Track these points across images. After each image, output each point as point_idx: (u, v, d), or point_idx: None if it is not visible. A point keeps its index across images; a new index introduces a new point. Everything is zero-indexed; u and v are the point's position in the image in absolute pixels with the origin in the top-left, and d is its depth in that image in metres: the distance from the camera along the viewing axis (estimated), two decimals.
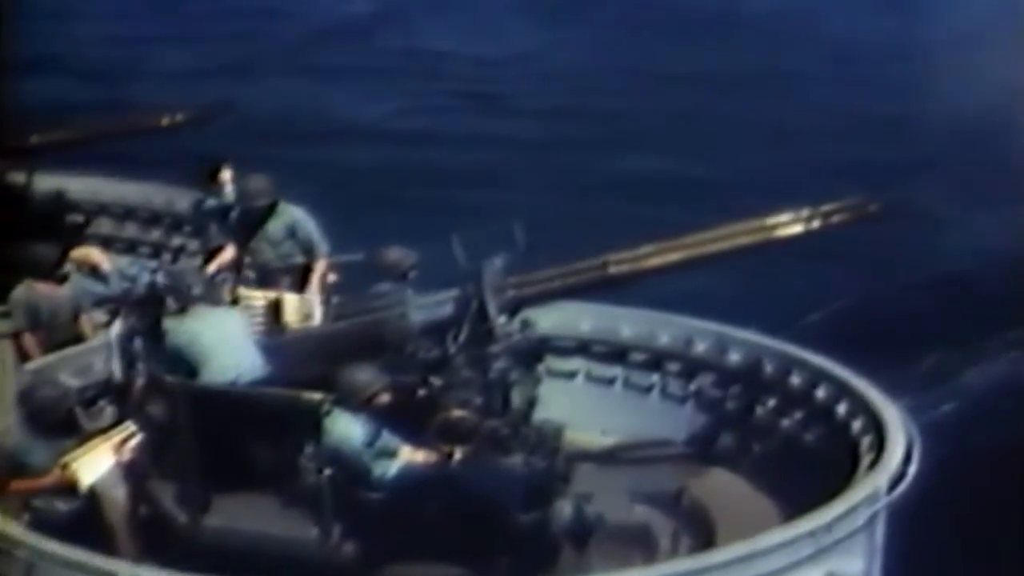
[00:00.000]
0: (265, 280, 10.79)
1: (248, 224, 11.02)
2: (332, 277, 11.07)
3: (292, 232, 10.92)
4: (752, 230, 9.28)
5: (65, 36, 31.60)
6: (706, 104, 26.76)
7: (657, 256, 9.24)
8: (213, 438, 8.60)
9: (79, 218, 13.64)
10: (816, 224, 9.24)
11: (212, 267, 11.28)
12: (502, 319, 8.98)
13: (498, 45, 32.11)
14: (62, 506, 8.75)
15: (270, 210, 10.90)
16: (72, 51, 31.30)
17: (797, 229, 9.26)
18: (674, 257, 9.26)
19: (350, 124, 27.04)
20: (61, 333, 10.96)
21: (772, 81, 27.84)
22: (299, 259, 10.92)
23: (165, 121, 14.25)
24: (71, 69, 30.06)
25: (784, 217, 9.28)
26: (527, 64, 30.92)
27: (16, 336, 10.97)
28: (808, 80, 27.70)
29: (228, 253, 11.36)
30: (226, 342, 9.07)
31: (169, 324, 9.21)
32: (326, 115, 27.71)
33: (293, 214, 11.01)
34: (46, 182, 13.25)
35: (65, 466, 8.69)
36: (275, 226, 10.90)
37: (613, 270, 9.28)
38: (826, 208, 9.26)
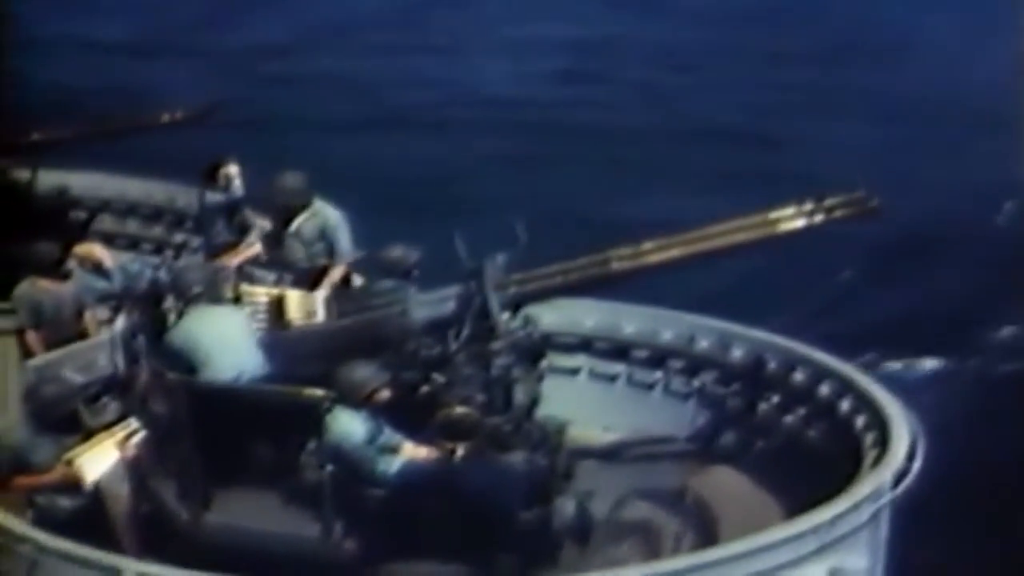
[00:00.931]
0: (292, 278, 10.74)
1: (280, 220, 10.97)
2: (357, 281, 11.06)
3: (322, 234, 10.88)
4: (754, 225, 9.25)
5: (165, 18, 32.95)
6: (808, 78, 27.72)
7: (658, 252, 9.22)
8: (215, 435, 8.58)
9: (82, 215, 13.61)
10: (818, 219, 9.21)
11: (235, 261, 11.25)
12: (504, 316, 8.97)
13: (583, 29, 32.72)
14: (65, 502, 8.77)
15: (302, 208, 10.87)
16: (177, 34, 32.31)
17: (799, 224, 9.23)
18: (676, 253, 9.24)
19: (485, 95, 28.10)
20: (64, 330, 10.95)
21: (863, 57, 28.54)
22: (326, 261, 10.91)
23: (165, 118, 14.25)
24: (178, 50, 31.03)
25: (786, 211, 9.25)
26: (611, 45, 31.60)
27: (20, 333, 10.99)
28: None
29: (252, 250, 11.33)
30: (226, 343, 9.04)
31: (170, 325, 9.19)
32: (453, 86, 28.89)
33: (327, 215, 10.96)
34: (49, 179, 13.24)
35: (69, 462, 8.70)
36: (308, 226, 10.86)
37: (615, 266, 9.26)
38: (828, 203, 9.23)
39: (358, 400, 8.61)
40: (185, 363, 8.94)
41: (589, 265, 9.36)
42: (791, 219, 9.24)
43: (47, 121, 14.20)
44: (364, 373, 8.68)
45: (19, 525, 8.33)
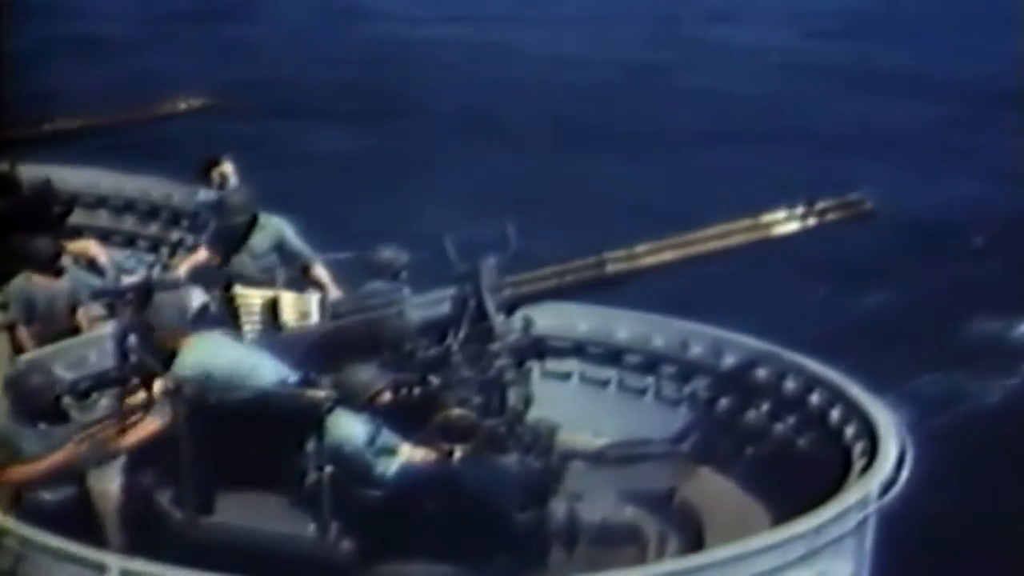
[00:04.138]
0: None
1: (230, 239, 10.87)
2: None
3: (279, 246, 10.82)
4: (748, 228, 9.25)
5: None
6: None
7: (652, 255, 9.22)
8: (212, 435, 8.53)
9: (62, 208, 13.44)
10: (811, 222, 9.21)
11: (183, 269, 11.14)
12: (500, 317, 8.97)
13: None
14: (54, 497, 8.73)
15: (252, 223, 10.80)
16: None
17: (793, 227, 9.24)
18: (669, 256, 9.23)
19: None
20: (57, 326, 10.95)
21: None
22: (280, 271, 10.84)
23: (183, 106, 14.14)
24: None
25: (779, 215, 9.25)
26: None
27: (11, 328, 10.98)
28: None
29: (201, 255, 11.22)
30: (261, 358, 8.84)
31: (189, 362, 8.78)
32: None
33: (277, 227, 10.92)
34: (37, 171, 13.13)
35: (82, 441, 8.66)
36: (258, 239, 10.81)
37: (610, 268, 9.26)
38: (821, 206, 9.23)
39: (361, 402, 8.61)
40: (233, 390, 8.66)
41: (583, 267, 9.35)
42: (784, 223, 9.24)
43: (59, 112, 14.16)
44: (368, 375, 8.68)
45: (3, 519, 8.31)
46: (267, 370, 8.74)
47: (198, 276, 10.77)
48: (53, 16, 32.21)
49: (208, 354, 8.81)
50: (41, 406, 8.86)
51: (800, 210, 9.19)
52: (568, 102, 27.73)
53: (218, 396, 8.60)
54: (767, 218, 9.24)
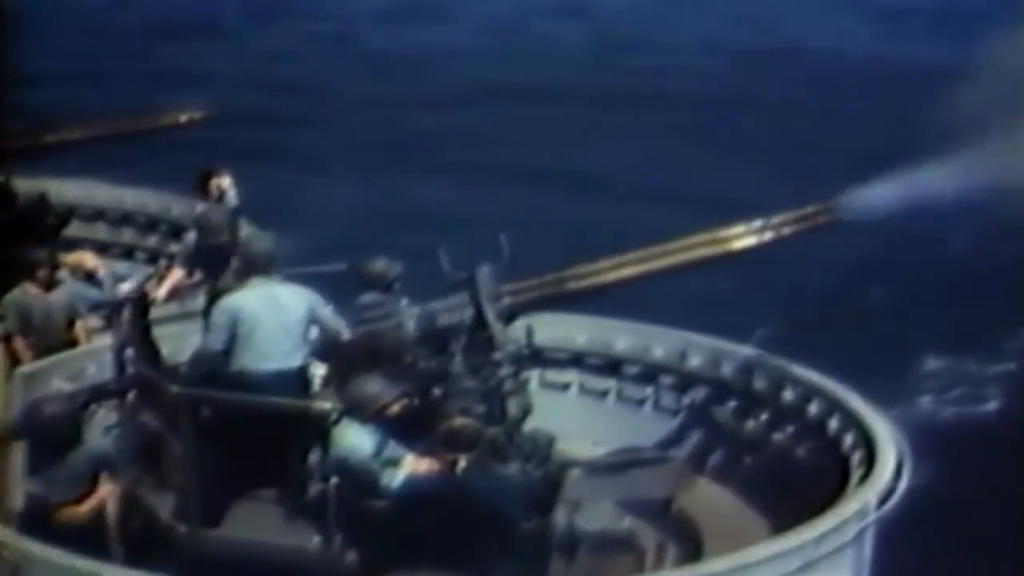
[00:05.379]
0: None
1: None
2: None
3: None
4: (706, 242, 9.29)
5: None
6: None
7: (613, 270, 9.25)
8: (216, 447, 8.50)
9: (57, 221, 13.39)
10: (768, 236, 9.25)
11: (163, 290, 10.94)
12: (499, 326, 8.96)
13: None
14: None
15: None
16: None
17: (751, 241, 9.27)
18: (629, 272, 9.27)
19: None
20: (54, 338, 10.91)
21: None
22: None
23: (183, 118, 14.08)
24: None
25: (737, 229, 9.28)
26: None
27: (8, 339, 10.94)
28: None
29: (177, 275, 10.97)
30: (282, 326, 8.79)
31: (227, 298, 8.91)
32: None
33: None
34: (36, 184, 13.10)
35: None
36: None
37: (571, 285, 9.30)
38: (778, 219, 9.27)
39: (369, 414, 8.57)
40: (227, 333, 8.71)
41: (544, 284, 9.37)
42: (742, 237, 9.28)
43: (60, 122, 14.13)
44: (376, 387, 8.61)
45: (1, 531, 8.29)
46: (294, 344, 8.80)
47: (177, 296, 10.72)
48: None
49: (265, 303, 8.81)
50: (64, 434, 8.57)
51: (758, 224, 9.23)
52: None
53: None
54: (724, 232, 9.29)
